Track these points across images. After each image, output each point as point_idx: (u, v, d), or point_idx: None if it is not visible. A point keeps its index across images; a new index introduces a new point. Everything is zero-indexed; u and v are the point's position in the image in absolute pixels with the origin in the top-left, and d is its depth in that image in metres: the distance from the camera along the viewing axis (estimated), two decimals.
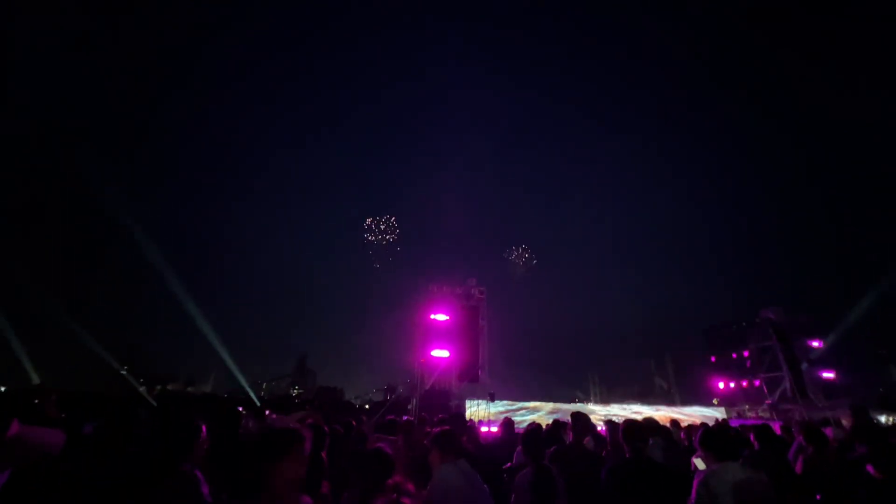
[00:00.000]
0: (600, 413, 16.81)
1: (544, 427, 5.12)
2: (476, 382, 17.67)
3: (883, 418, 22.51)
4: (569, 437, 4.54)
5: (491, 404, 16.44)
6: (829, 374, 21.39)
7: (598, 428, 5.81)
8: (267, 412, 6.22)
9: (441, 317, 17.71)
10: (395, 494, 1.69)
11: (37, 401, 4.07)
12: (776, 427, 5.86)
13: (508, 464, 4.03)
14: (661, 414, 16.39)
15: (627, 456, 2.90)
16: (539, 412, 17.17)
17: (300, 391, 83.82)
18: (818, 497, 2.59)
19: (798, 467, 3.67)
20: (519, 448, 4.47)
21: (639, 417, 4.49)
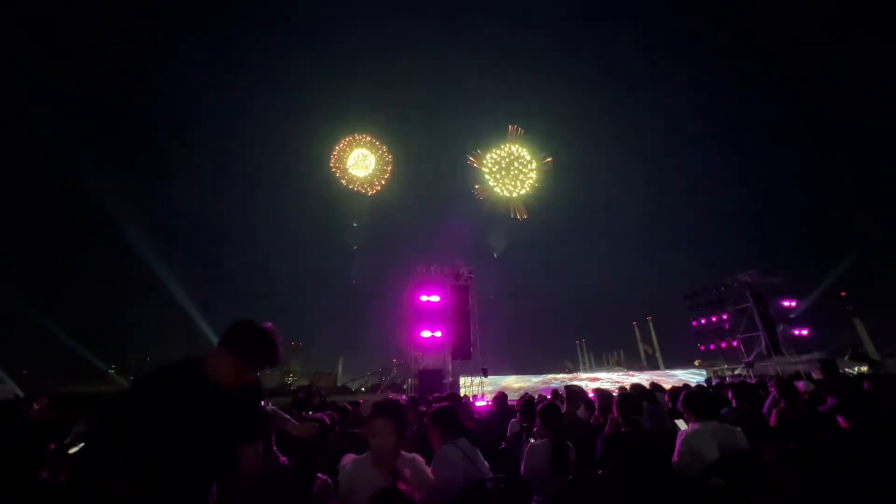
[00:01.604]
0: (581, 384, 17.03)
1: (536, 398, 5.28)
2: (468, 360, 18.03)
3: (847, 369, 24.12)
4: (562, 407, 4.72)
5: (466, 380, 16.85)
6: (802, 331, 22.61)
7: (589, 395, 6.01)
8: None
9: (432, 297, 17.85)
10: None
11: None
12: (753, 383, 6.18)
13: (503, 444, 4.16)
14: (646, 378, 17.06)
15: (623, 429, 3.05)
16: (514, 388, 17.03)
17: (294, 379, 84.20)
18: (791, 447, 2.78)
19: (772, 420, 3.92)
20: (513, 420, 4.64)
21: (625, 384, 4.69)
